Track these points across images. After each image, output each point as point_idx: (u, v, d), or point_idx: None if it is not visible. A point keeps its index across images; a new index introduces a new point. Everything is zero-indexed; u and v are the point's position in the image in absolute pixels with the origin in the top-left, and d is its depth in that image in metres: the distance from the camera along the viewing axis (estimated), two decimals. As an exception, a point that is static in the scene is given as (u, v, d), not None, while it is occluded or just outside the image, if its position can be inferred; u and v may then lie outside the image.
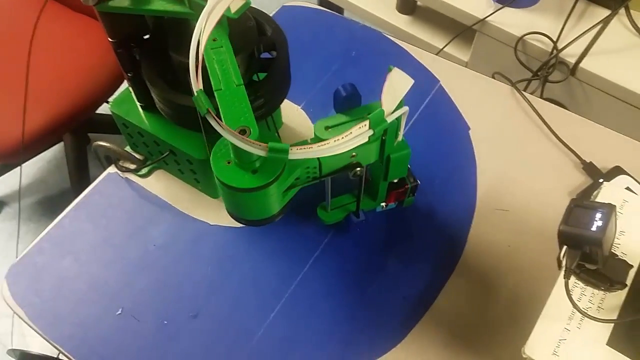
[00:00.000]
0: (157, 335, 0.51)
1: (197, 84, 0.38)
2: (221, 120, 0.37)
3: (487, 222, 0.57)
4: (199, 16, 0.42)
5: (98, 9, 0.46)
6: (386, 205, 0.56)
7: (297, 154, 0.38)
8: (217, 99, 0.40)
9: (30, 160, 1.38)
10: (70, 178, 1.27)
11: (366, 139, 0.39)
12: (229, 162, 0.40)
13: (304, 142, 0.41)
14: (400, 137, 0.47)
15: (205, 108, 0.37)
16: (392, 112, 0.40)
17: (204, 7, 0.40)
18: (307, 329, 0.51)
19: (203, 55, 0.39)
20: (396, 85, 0.40)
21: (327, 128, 0.43)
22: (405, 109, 0.42)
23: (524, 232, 0.56)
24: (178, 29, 0.48)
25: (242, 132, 0.38)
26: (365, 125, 0.39)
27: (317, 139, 0.42)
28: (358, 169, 0.45)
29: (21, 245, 1.24)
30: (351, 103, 0.44)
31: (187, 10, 0.45)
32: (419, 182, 0.54)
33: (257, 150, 0.37)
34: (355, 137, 0.39)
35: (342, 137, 0.38)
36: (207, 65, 0.40)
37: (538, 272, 0.53)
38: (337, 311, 0.52)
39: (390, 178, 0.51)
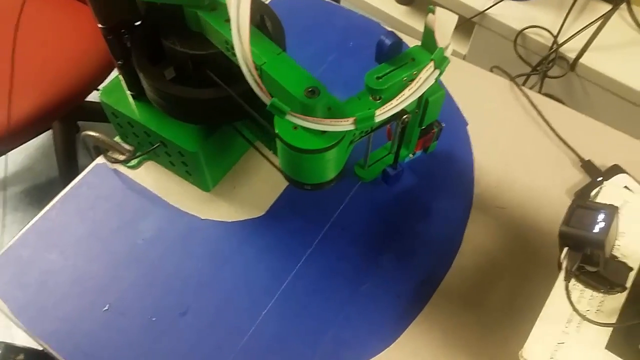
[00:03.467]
0: (145, 332, 0.50)
1: (267, 97, 0.38)
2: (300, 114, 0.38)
3: (484, 219, 0.56)
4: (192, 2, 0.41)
5: (87, -6, 0.44)
6: (413, 154, 0.57)
7: (382, 115, 0.39)
8: (267, 73, 0.40)
9: (17, 148, 1.35)
10: (58, 166, 1.24)
11: (433, 81, 0.40)
12: (295, 128, 0.41)
13: (365, 101, 0.43)
14: None
15: (287, 111, 0.37)
16: (448, 48, 0.41)
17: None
18: (299, 328, 0.50)
19: (256, 63, 0.40)
20: (445, 22, 0.41)
21: (378, 78, 0.43)
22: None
23: (522, 229, 0.55)
24: (171, 15, 0.47)
25: (312, 92, 0.39)
26: (430, 67, 0.39)
27: (369, 90, 0.43)
28: (405, 115, 0.47)
29: (7, 236, 1.22)
30: (395, 51, 0.44)
31: (180, -5, 0.44)
32: (443, 124, 0.55)
33: (346, 127, 0.38)
34: (425, 80, 0.39)
35: (415, 84, 0.39)
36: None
37: (535, 271, 0.52)
38: (330, 309, 0.51)
39: (426, 122, 0.52)
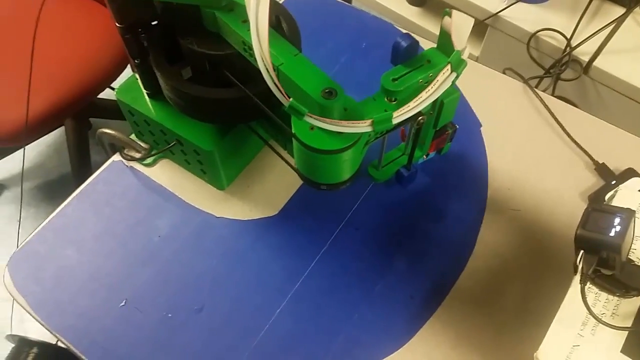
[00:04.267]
0: (161, 328, 0.50)
1: (285, 99, 0.38)
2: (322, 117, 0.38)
3: (498, 221, 0.56)
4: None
5: (107, -7, 0.44)
6: (427, 156, 0.58)
7: (399, 117, 0.39)
8: (284, 74, 0.41)
9: (30, 145, 1.36)
10: (70, 163, 1.25)
11: (450, 83, 0.40)
12: (312, 128, 0.41)
13: (381, 102, 0.43)
14: None
15: (305, 112, 0.38)
16: (464, 51, 0.41)
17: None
18: (312, 327, 0.50)
19: (274, 64, 0.40)
20: (461, 26, 0.41)
21: (394, 80, 0.43)
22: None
23: (535, 232, 0.55)
24: (188, 15, 0.47)
25: (329, 93, 0.39)
26: (447, 70, 0.40)
27: (385, 91, 0.43)
28: (420, 117, 0.48)
29: (22, 230, 1.23)
30: (411, 52, 0.44)
31: (197, -4, 0.44)
32: (457, 126, 0.56)
33: (364, 128, 0.39)
34: (442, 83, 0.40)
35: (432, 87, 0.40)
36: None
37: (549, 274, 0.53)
38: (343, 309, 0.51)
39: (440, 124, 0.53)
